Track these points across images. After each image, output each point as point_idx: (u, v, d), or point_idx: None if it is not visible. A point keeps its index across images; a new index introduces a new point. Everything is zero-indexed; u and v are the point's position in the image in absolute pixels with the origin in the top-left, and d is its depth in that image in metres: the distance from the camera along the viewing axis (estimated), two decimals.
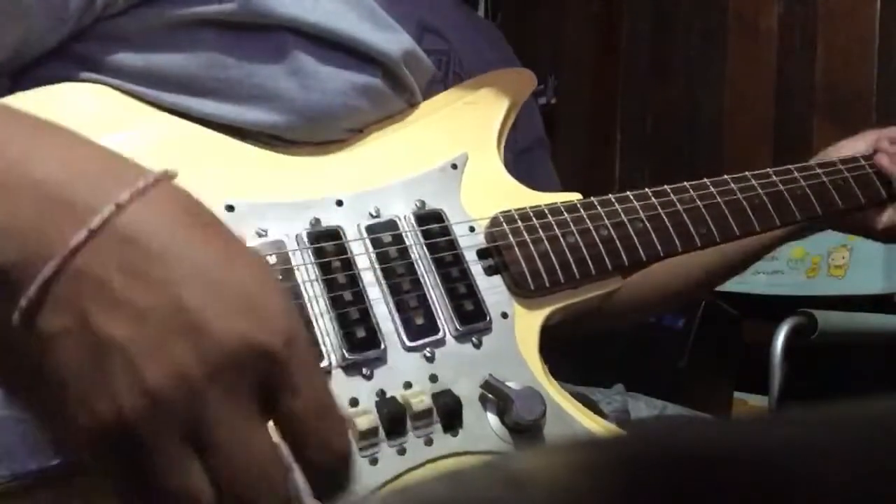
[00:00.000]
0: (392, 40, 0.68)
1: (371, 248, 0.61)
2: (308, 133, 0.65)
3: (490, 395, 0.59)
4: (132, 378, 0.36)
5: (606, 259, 0.67)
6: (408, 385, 0.58)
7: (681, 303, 1.47)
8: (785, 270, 1.76)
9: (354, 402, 0.56)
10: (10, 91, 0.60)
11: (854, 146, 0.85)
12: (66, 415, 0.37)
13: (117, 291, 0.37)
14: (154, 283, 0.37)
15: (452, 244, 0.64)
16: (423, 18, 0.76)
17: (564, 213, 0.68)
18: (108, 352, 0.36)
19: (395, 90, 0.69)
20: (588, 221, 0.68)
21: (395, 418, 0.56)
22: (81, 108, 0.60)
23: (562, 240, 0.66)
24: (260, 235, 0.59)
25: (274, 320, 0.38)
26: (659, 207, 0.70)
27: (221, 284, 0.38)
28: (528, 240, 0.65)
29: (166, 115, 0.62)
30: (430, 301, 0.61)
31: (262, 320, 0.38)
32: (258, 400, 0.38)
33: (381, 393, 0.57)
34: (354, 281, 0.59)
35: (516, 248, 0.65)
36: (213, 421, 0.36)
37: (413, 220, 0.64)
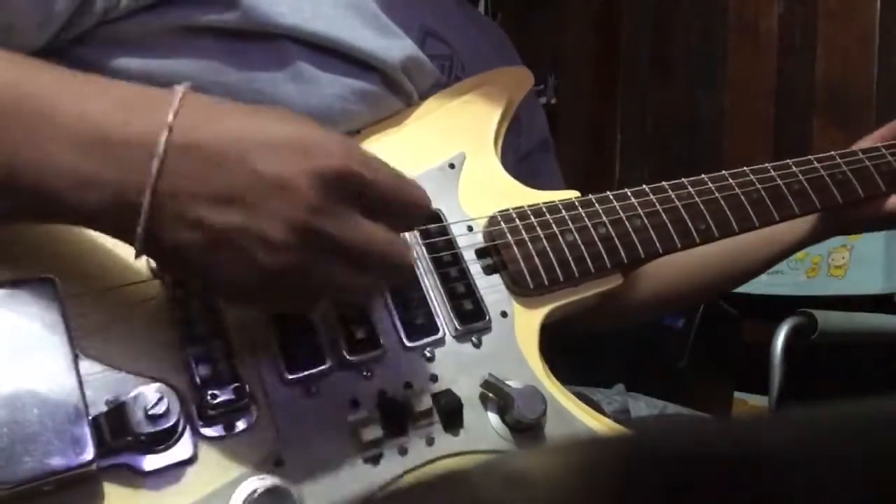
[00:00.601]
0: (394, 47, 0.68)
1: None
2: None
3: (490, 395, 0.59)
4: (263, 246, 0.45)
5: (605, 257, 0.67)
6: (408, 385, 0.58)
7: (688, 304, 1.46)
8: (785, 270, 1.76)
9: (354, 403, 0.56)
10: None
11: (866, 144, 0.85)
12: (230, 297, 0.50)
13: (207, 189, 0.45)
14: (230, 170, 0.45)
15: (451, 244, 0.64)
16: (426, 23, 0.76)
17: (562, 211, 0.68)
18: (234, 237, 0.45)
19: (394, 94, 0.69)
20: (586, 219, 0.68)
21: (396, 418, 0.56)
22: None
23: (560, 238, 0.66)
24: None
25: (327, 148, 0.47)
26: (657, 204, 0.70)
27: (275, 143, 0.46)
28: (527, 238, 0.65)
29: None
30: (429, 301, 0.61)
31: (319, 151, 0.46)
32: (357, 207, 0.48)
33: (382, 393, 0.57)
34: None
35: (514, 247, 0.65)
36: (332, 236, 0.46)
37: None
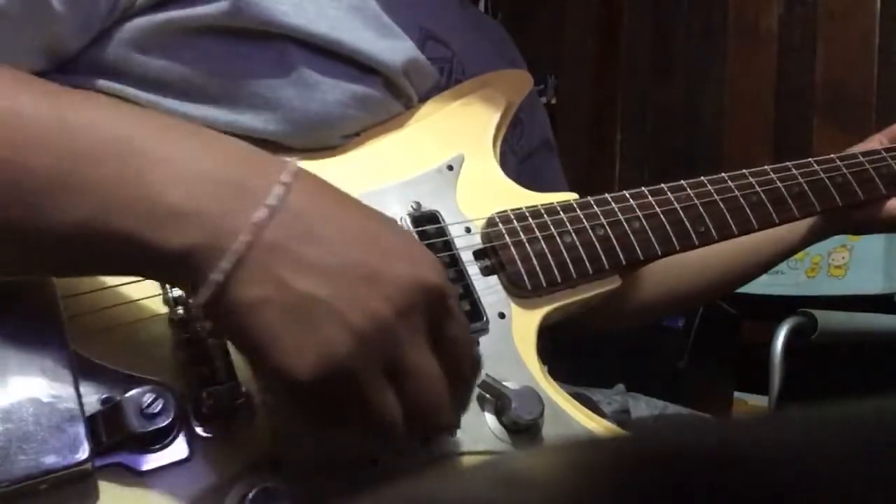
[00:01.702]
0: (395, 48, 0.68)
1: None
2: (305, 141, 0.65)
3: (488, 395, 0.59)
4: (339, 324, 0.43)
5: (603, 258, 0.67)
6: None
7: (689, 306, 1.46)
8: (785, 270, 1.76)
9: None
10: None
11: (866, 147, 0.85)
12: (273, 369, 0.44)
13: (304, 257, 0.43)
14: (332, 245, 0.44)
15: (448, 245, 0.64)
16: (426, 26, 0.76)
17: (561, 212, 0.67)
18: (312, 307, 0.43)
19: (394, 98, 0.69)
20: (584, 221, 0.67)
21: None
22: None
23: (558, 239, 0.66)
24: None
25: (429, 262, 0.47)
26: (656, 206, 0.70)
27: (382, 238, 0.46)
28: (525, 240, 0.65)
29: None
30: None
31: (422, 263, 0.46)
32: (430, 335, 0.46)
33: None
34: None
35: (512, 248, 0.65)
36: (405, 351, 0.45)
37: (409, 222, 0.64)
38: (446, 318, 0.47)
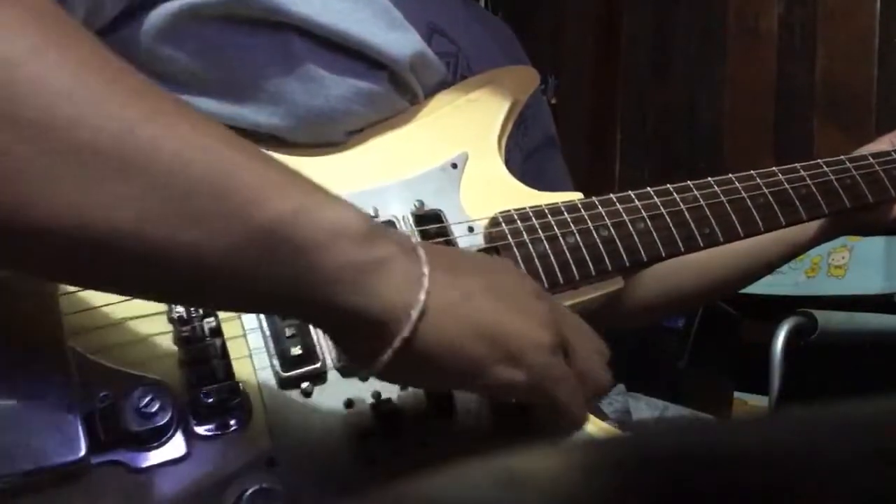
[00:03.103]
0: (403, 41, 0.67)
1: None
2: (308, 136, 0.65)
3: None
4: (533, 344, 0.49)
5: (607, 259, 0.66)
6: (403, 386, 0.58)
7: (692, 306, 1.46)
8: (785, 270, 1.76)
9: (350, 404, 0.56)
10: None
11: (876, 148, 0.84)
12: (514, 340, 0.49)
13: (474, 325, 0.47)
14: (481, 276, 0.49)
15: (451, 244, 0.64)
16: (432, 20, 0.75)
17: (565, 212, 0.67)
18: (493, 329, 0.48)
19: (400, 93, 0.69)
20: (588, 221, 0.67)
21: (391, 419, 0.56)
22: None
23: (561, 240, 0.66)
24: None
25: (551, 322, 0.50)
26: (661, 207, 0.70)
27: (524, 311, 0.50)
28: (528, 240, 0.65)
29: None
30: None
31: (545, 326, 0.50)
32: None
33: (377, 395, 0.57)
34: None
35: (515, 249, 0.64)
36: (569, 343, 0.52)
37: (411, 220, 0.64)
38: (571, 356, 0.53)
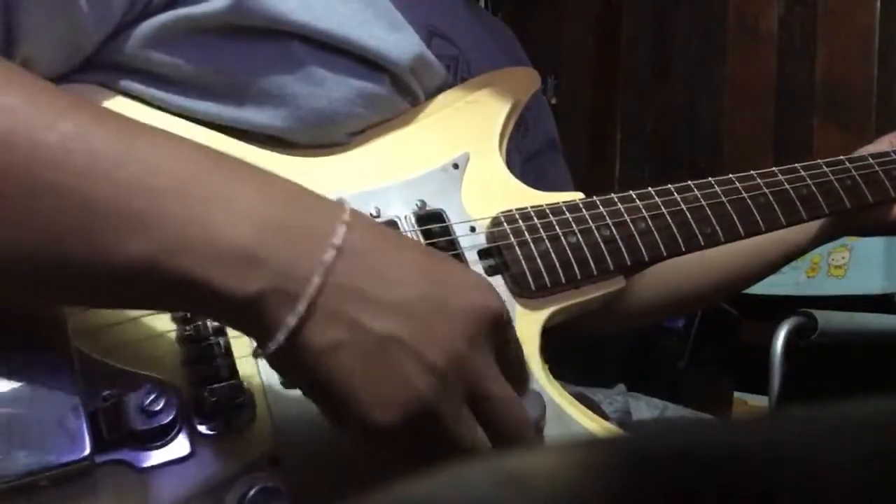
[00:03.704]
0: (404, 43, 0.67)
1: None
2: (310, 137, 0.65)
3: None
4: (418, 363, 0.43)
5: (608, 259, 0.66)
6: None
7: (693, 308, 1.45)
8: (785, 270, 1.75)
9: None
10: None
11: (875, 149, 0.84)
12: (355, 415, 0.43)
13: (373, 295, 0.43)
14: (399, 282, 0.44)
15: (453, 244, 0.64)
16: (432, 23, 0.75)
17: (566, 212, 0.67)
18: (389, 346, 0.43)
19: (401, 95, 0.69)
20: (590, 221, 0.67)
21: None
22: None
23: (563, 239, 0.66)
24: None
25: (488, 288, 0.47)
26: (662, 207, 0.70)
27: (445, 272, 0.46)
28: (529, 239, 0.65)
29: (167, 115, 0.62)
30: None
31: (484, 290, 0.47)
32: (495, 354, 0.47)
33: None
34: None
35: (517, 248, 0.65)
36: (482, 378, 0.45)
37: (413, 221, 0.64)
38: (508, 341, 0.48)
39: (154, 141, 0.45)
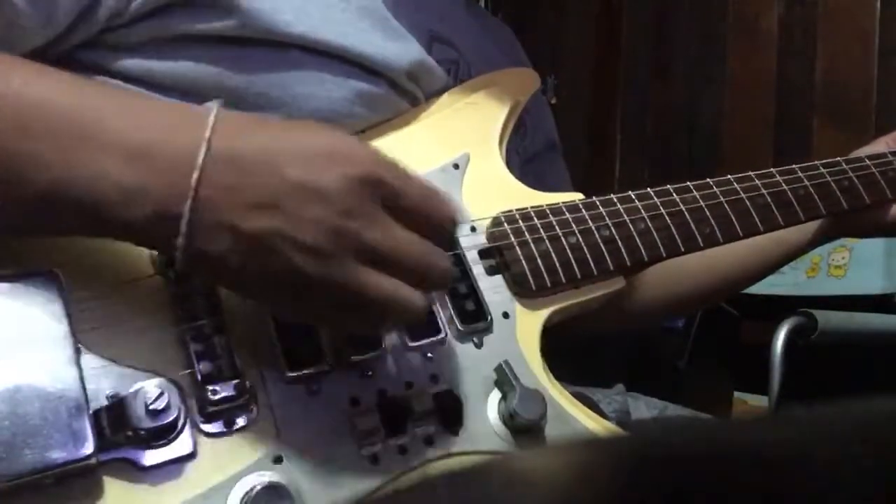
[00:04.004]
0: (402, 51, 0.68)
1: None
2: None
3: (496, 378, 0.59)
4: (296, 247, 0.47)
5: (608, 259, 0.67)
6: (409, 385, 0.58)
7: (692, 308, 1.45)
8: (785, 270, 1.75)
9: (355, 402, 0.56)
10: None
11: (872, 150, 0.84)
12: (270, 302, 0.52)
13: (243, 197, 0.47)
14: (265, 178, 0.48)
15: (453, 244, 0.64)
16: (433, 28, 0.76)
17: (566, 212, 0.67)
18: (266, 240, 0.47)
19: (400, 96, 0.69)
20: (590, 221, 0.67)
21: (395, 418, 0.56)
22: None
23: (563, 239, 0.66)
24: None
25: (356, 155, 0.50)
26: (661, 207, 0.70)
27: (305, 152, 0.49)
28: (530, 239, 0.65)
29: None
30: (431, 302, 0.61)
31: (348, 159, 0.49)
32: (384, 210, 0.49)
33: (382, 392, 0.57)
34: None
35: (517, 248, 0.65)
36: (367, 240, 0.48)
37: None
38: (394, 195, 0.50)
39: (38, 79, 0.50)
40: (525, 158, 0.86)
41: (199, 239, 0.47)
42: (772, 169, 0.76)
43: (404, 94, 0.70)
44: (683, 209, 0.71)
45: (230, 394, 0.52)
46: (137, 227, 0.48)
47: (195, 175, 0.47)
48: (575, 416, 0.61)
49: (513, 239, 0.65)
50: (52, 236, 0.53)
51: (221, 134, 0.48)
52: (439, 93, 0.73)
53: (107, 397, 0.50)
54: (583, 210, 0.68)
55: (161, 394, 0.49)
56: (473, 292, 0.62)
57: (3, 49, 0.58)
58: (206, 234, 0.47)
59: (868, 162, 0.80)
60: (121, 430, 0.49)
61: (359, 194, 0.48)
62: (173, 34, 0.61)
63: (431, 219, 0.52)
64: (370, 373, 0.57)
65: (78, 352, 0.50)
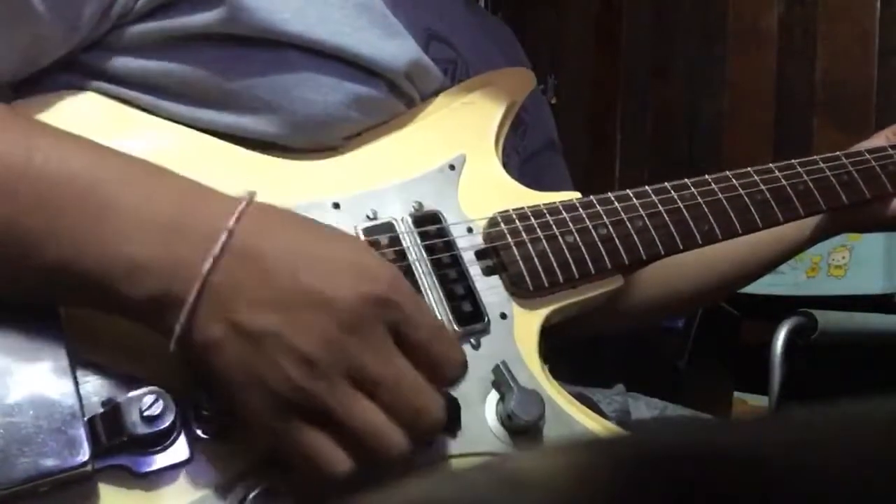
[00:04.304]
0: (399, 49, 0.67)
1: None
2: (306, 141, 0.65)
3: (494, 379, 0.59)
4: (290, 353, 0.45)
5: (606, 258, 0.67)
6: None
7: (691, 307, 1.44)
8: (785, 270, 1.76)
9: None
10: (12, 99, 0.59)
11: (872, 144, 0.84)
12: (244, 404, 0.47)
13: (251, 293, 0.46)
14: (277, 279, 0.47)
15: (450, 245, 0.64)
16: (431, 26, 0.75)
17: (563, 212, 0.67)
18: (262, 340, 0.46)
19: (397, 98, 0.69)
20: (587, 220, 0.67)
21: None
22: (79, 115, 0.60)
23: (560, 239, 0.66)
24: None
25: (376, 273, 0.48)
26: (659, 205, 0.70)
27: (325, 261, 0.48)
28: (527, 240, 0.65)
29: (163, 121, 0.62)
30: (428, 303, 0.61)
31: (367, 276, 0.48)
32: (391, 338, 0.47)
33: None
34: None
35: (514, 248, 0.65)
36: (363, 363, 0.46)
37: (410, 222, 0.64)
38: (405, 324, 0.48)
39: (50, 147, 0.49)
40: (524, 157, 0.86)
41: (197, 325, 0.46)
42: (770, 165, 0.76)
43: (401, 96, 0.69)
44: (682, 206, 0.70)
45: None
46: (140, 305, 0.47)
47: (209, 262, 0.46)
48: (574, 416, 0.61)
49: (510, 239, 0.65)
50: (65, 306, 0.52)
51: (246, 226, 0.47)
52: (435, 94, 0.73)
53: (102, 404, 0.50)
54: (580, 209, 0.68)
55: (156, 400, 0.49)
56: (470, 293, 0.62)
57: (28, 65, 0.59)
58: (204, 322, 0.46)
59: (868, 156, 0.80)
60: (116, 436, 0.49)
61: (368, 313, 0.47)
62: (169, 34, 0.61)
63: (440, 359, 0.50)
64: None
65: (72, 358, 0.50)
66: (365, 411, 0.47)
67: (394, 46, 0.67)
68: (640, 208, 0.69)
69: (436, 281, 0.62)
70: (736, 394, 1.77)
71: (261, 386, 0.46)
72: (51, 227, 0.47)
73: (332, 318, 0.46)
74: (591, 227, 0.67)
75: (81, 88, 0.61)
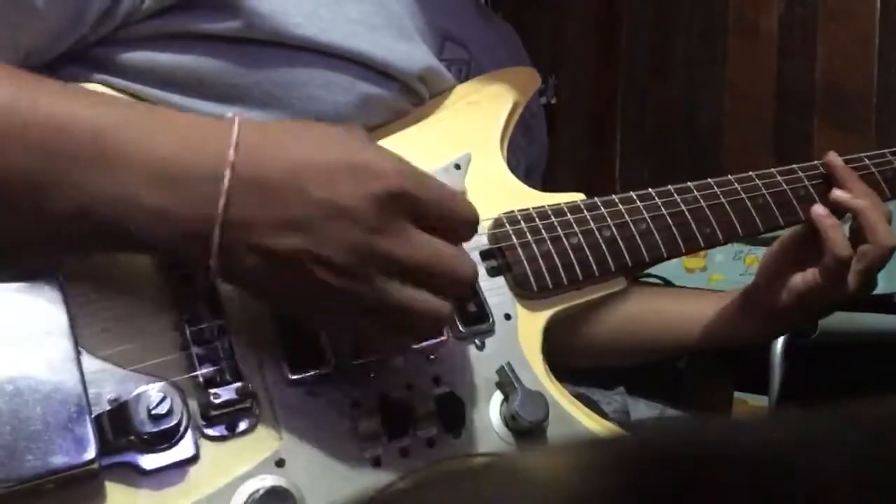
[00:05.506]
0: (413, 53, 0.67)
1: None
2: None
3: (498, 380, 0.59)
4: (324, 266, 0.48)
5: (609, 260, 0.67)
6: (410, 387, 0.58)
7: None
8: None
9: (357, 404, 0.56)
10: None
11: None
12: (322, 318, 0.54)
13: (272, 219, 0.48)
14: (291, 199, 0.48)
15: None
16: (446, 28, 0.75)
17: (567, 213, 0.67)
18: (296, 259, 0.48)
19: (408, 99, 0.69)
20: (591, 222, 0.67)
21: (397, 420, 0.56)
22: None
23: (564, 240, 0.66)
24: None
25: (376, 170, 0.49)
26: (662, 208, 0.70)
27: (325, 169, 0.49)
28: (531, 240, 0.65)
29: None
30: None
31: (370, 175, 0.49)
32: (410, 222, 0.50)
33: (384, 395, 0.57)
34: None
35: (519, 249, 0.65)
36: (395, 255, 0.49)
37: None
38: (421, 206, 0.50)
39: (62, 98, 0.50)
40: (526, 165, 0.86)
41: (231, 260, 0.48)
42: (772, 169, 0.76)
43: (413, 97, 0.69)
44: (684, 209, 0.71)
45: (232, 397, 0.52)
46: (168, 247, 0.49)
47: (222, 201, 0.47)
48: (576, 416, 0.61)
49: (514, 240, 0.65)
50: (84, 253, 0.53)
51: (245, 155, 0.48)
52: (443, 93, 0.73)
53: (109, 401, 0.50)
54: (584, 210, 0.68)
55: (163, 398, 0.49)
56: (475, 294, 0.62)
57: (34, 59, 0.59)
58: (237, 254, 0.48)
59: (867, 162, 0.80)
60: (123, 434, 0.49)
61: (384, 210, 0.49)
62: (180, 31, 0.61)
63: (454, 221, 0.52)
64: (372, 375, 0.57)
65: (79, 355, 0.50)
66: (409, 297, 0.50)
67: (408, 50, 0.67)
68: (643, 210, 0.69)
69: None
70: (736, 394, 1.77)
71: (310, 299, 0.51)
72: (63, 175, 0.47)
73: (352, 224, 0.48)
74: (595, 228, 0.67)
75: (87, 80, 0.61)
